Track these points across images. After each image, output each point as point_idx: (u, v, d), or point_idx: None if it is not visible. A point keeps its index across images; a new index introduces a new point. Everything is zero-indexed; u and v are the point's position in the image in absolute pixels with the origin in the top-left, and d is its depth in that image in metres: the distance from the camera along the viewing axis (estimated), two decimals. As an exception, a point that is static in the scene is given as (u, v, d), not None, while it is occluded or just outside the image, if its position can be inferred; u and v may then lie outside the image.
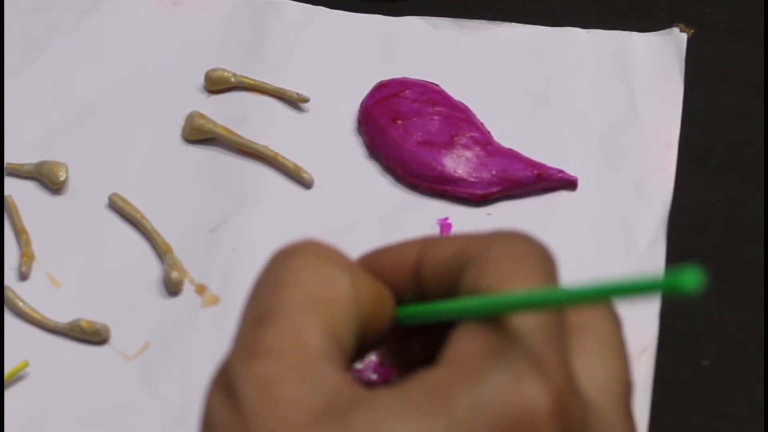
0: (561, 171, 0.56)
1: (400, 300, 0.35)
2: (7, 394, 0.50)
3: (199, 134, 0.58)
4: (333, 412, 0.29)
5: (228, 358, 0.31)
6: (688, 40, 0.61)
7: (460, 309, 0.32)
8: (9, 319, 0.52)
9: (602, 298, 0.29)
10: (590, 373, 0.32)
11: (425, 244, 0.34)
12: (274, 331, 0.31)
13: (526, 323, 0.30)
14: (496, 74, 0.61)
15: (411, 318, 0.34)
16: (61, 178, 0.56)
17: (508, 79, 0.60)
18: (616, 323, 0.34)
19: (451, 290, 0.33)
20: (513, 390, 0.29)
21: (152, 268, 0.54)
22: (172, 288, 0.53)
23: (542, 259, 0.32)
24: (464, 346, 0.30)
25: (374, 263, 0.35)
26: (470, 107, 0.59)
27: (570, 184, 0.56)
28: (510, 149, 0.57)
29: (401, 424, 0.28)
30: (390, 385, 0.30)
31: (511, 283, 0.31)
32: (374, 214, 0.56)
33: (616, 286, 0.28)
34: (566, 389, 0.30)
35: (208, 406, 0.31)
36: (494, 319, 0.30)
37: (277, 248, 0.33)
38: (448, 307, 0.32)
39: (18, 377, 0.51)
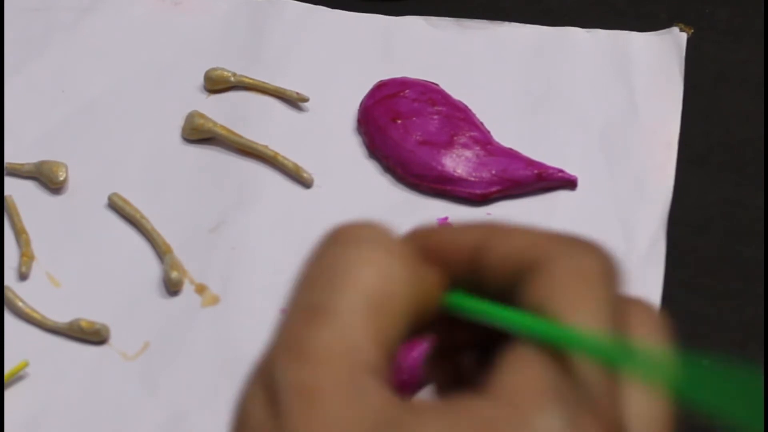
0: (561, 171, 0.56)
1: (451, 282, 0.33)
2: (7, 394, 0.50)
3: (199, 134, 0.58)
4: None
5: (273, 353, 0.30)
6: (688, 40, 0.61)
7: (520, 324, 0.30)
8: (9, 319, 0.52)
9: (669, 384, 0.28)
10: (636, 409, 0.31)
11: (489, 232, 0.32)
12: (325, 334, 0.29)
13: (589, 369, 0.29)
14: (496, 74, 0.60)
15: (462, 310, 0.33)
16: (61, 178, 0.56)
17: (508, 79, 0.60)
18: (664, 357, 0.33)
19: (509, 288, 0.32)
20: None
21: (152, 268, 0.54)
22: (171, 288, 0.53)
23: (610, 278, 0.31)
24: (519, 379, 0.29)
25: (431, 240, 0.33)
26: (470, 107, 0.59)
27: (570, 183, 0.56)
28: (510, 149, 0.57)
29: None
30: (434, 405, 0.29)
31: (577, 311, 0.30)
32: (374, 214, 0.56)
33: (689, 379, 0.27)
34: None
35: (247, 403, 0.30)
36: (553, 349, 0.29)
37: (335, 227, 0.32)
38: (506, 317, 0.31)
39: (18, 377, 0.51)
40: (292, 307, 0.31)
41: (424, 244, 0.33)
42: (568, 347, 0.29)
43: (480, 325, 0.33)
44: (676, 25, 0.62)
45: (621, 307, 0.31)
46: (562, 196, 0.56)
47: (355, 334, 0.29)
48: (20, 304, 0.52)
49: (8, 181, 0.57)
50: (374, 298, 0.30)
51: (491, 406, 0.28)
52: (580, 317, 0.30)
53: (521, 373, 0.29)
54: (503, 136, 0.58)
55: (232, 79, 0.60)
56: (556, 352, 0.29)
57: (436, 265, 0.33)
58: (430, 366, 0.36)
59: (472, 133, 0.57)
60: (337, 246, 0.31)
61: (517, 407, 0.28)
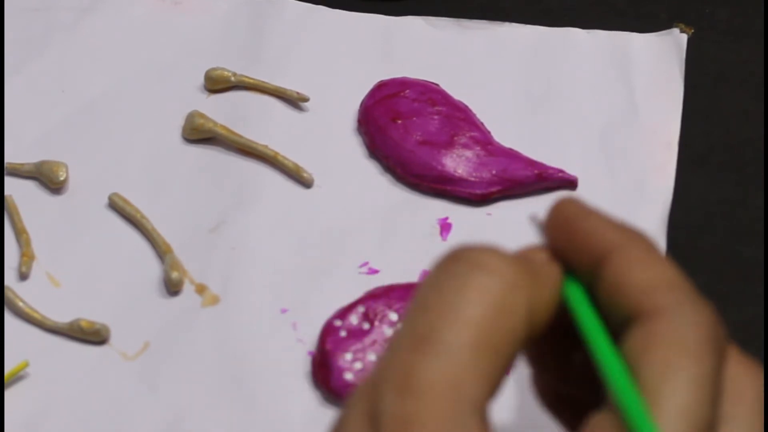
0: (561, 171, 0.56)
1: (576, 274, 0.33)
2: (7, 394, 0.50)
3: (199, 134, 0.58)
4: None
5: (379, 380, 0.30)
6: (688, 40, 0.61)
7: (612, 376, 0.30)
8: (9, 319, 0.52)
9: None
10: None
11: (627, 246, 0.32)
12: (433, 367, 0.29)
13: None
14: (496, 74, 0.61)
15: (571, 308, 0.32)
16: (61, 178, 0.56)
17: (508, 79, 0.60)
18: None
19: (616, 316, 0.31)
20: None
21: (152, 268, 0.54)
22: (172, 288, 0.53)
23: (712, 350, 0.30)
24: None
25: (574, 223, 0.33)
26: (470, 107, 0.59)
27: (570, 183, 0.56)
28: (510, 149, 0.57)
29: None
30: None
31: (669, 387, 0.29)
32: (374, 214, 0.56)
33: None
34: None
35: (349, 425, 0.30)
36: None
37: (452, 250, 0.32)
38: (606, 361, 0.30)
39: (18, 377, 0.51)
40: (402, 333, 0.30)
41: (567, 223, 0.33)
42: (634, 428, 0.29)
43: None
44: (676, 26, 0.62)
45: (717, 384, 0.30)
46: (562, 196, 0.56)
47: (462, 370, 0.29)
48: (20, 304, 0.52)
49: (8, 181, 0.57)
50: (486, 335, 0.30)
51: None
52: (671, 391, 0.29)
53: None
54: (503, 136, 0.58)
55: (233, 79, 0.60)
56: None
57: (564, 246, 0.33)
58: (538, 388, 0.36)
59: (473, 133, 0.57)
60: (453, 273, 0.31)
61: None
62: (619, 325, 0.31)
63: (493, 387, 0.30)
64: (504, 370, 0.30)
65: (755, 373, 0.32)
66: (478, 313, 0.30)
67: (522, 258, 0.32)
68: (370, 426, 0.29)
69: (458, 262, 0.31)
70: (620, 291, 0.31)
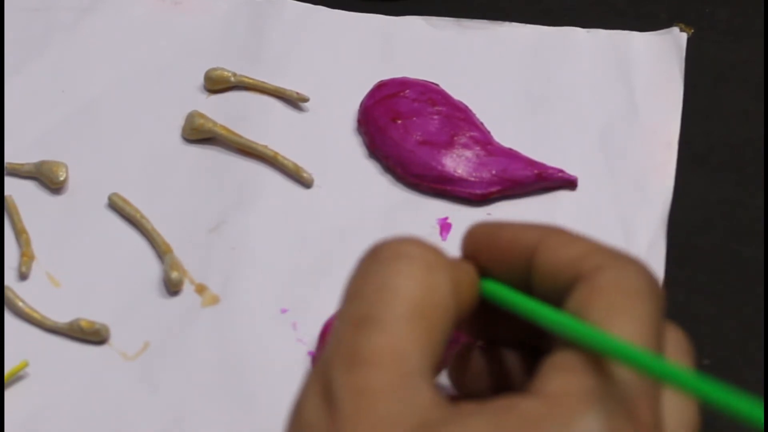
0: (561, 171, 0.56)
1: (501, 277, 0.35)
2: (7, 394, 0.50)
3: (199, 134, 0.58)
4: (422, 429, 0.30)
5: (329, 359, 0.32)
6: (688, 40, 0.61)
7: (563, 325, 0.32)
8: (9, 319, 0.52)
9: (704, 396, 0.29)
10: (670, 415, 0.33)
11: (548, 236, 0.34)
12: (375, 341, 0.31)
13: (630, 376, 0.31)
14: (496, 74, 0.61)
15: (506, 302, 0.35)
16: (61, 178, 0.56)
17: (508, 79, 0.60)
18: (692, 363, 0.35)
19: (556, 292, 0.33)
20: None
21: (152, 268, 0.54)
22: (172, 288, 0.53)
23: (652, 297, 0.32)
24: (562, 382, 0.31)
25: (492, 237, 0.36)
26: (470, 107, 0.59)
27: (570, 183, 0.56)
28: (510, 149, 0.57)
29: None
30: (478, 405, 0.31)
31: (617, 323, 0.31)
32: (374, 214, 0.56)
33: (723, 394, 0.28)
34: None
35: (305, 406, 0.32)
36: (594, 355, 0.31)
37: (376, 244, 0.34)
38: (551, 317, 0.32)
39: (18, 377, 0.51)
40: (343, 318, 0.33)
41: (487, 237, 0.36)
42: (611, 356, 0.30)
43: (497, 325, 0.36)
44: (676, 25, 0.62)
45: (659, 327, 0.32)
46: (562, 196, 0.56)
47: (403, 341, 0.32)
48: (20, 304, 0.52)
49: (8, 181, 0.57)
50: (418, 308, 0.32)
51: (535, 405, 0.30)
52: (619, 328, 0.31)
53: (564, 378, 0.31)
54: (503, 136, 0.58)
55: (232, 79, 0.60)
56: (597, 357, 0.31)
57: (490, 260, 0.35)
58: (457, 366, 0.38)
59: (472, 133, 0.57)
60: (380, 261, 0.33)
61: (560, 408, 0.30)
62: (558, 302, 0.33)
63: (433, 356, 0.32)
64: (441, 341, 0.33)
65: (682, 335, 0.34)
66: (408, 291, 0.32)
67: (438, 248, 0.34)
68: (325, 400, 0.31)
69: (382, 253, 0.34)
70: (557, 267, 0.34)
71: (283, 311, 0.53)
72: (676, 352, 0.34)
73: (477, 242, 0.36)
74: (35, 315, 0.52)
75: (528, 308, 0.33)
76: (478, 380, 0.38)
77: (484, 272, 0.36)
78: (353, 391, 0.31)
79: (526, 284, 0.35)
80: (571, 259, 0.33)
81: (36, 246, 0.55)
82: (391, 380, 0.31)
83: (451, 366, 0.38)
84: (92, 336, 0.52)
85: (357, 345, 0.31)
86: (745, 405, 0.28)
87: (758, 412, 0.27)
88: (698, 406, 0.33)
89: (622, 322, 0.31)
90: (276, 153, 0.57)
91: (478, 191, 0.56)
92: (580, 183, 0.56)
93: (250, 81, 0.60)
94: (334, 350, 0.32)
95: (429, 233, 0.55)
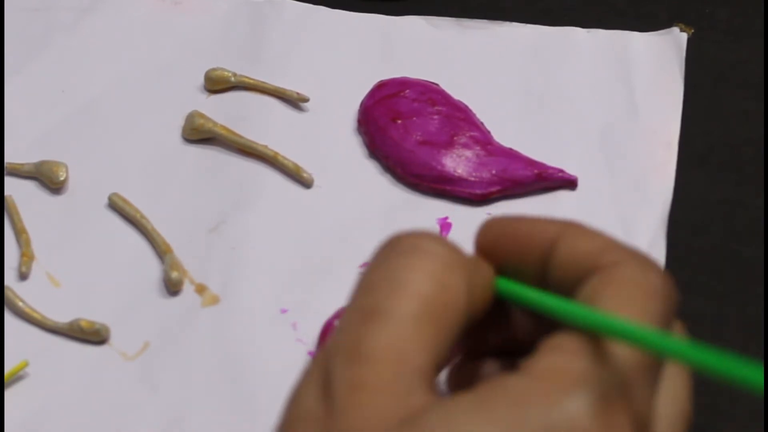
0: (561, 171, 0.56)
1: (517, 274, 0.35)
2: (7, 394, 0.50)
3: (199, 134, 0.58)
4: (410, 418, 0.30)
5: (331, 351, 0.32)
6: (688, 40, 0.61)
7: (564, 310, 0.32)
8: (9, 319, 0.52)
9: (704, 367, 0.28)
10: (662, 404, 0.32)
11: (567, 229, 0.34)
12: (380, 336, 0.31)
13: (628, 357, 0.30)
14: (496, 74, 0.61)
15: (516, 298, 0.34)
16: (61, 178, 0.56)
17: (508, 79, 0.60)
18: None
19: (570, 285, 0.33)
20: (591, 421, 0.29)
21: (152, 268, 0.54)
22: (172, 288, 0.53)
23: (666, 297, 0.32)
24: (555, 360, 0.30)
25: (510, 229, 0.35)
26: (470, 107, 0.59)
27: (570, 183, 0.56)
28: (510, 149, 0.57)
29: (473, 425, 0.29)
30: (469, 389, 0.30)
31: (628, 315, 0.31)
32: (374, 214, 0.56)
33: (722, 362, 0.28)
34: (643, 431, 0.30)
35: (302, 394, 0.31)
36: (593, 339, 0.30)
37: (393, 236, 0.33)
38: (552, 302, 0.32)
39: (18, 377, 0.51)
40: (351, 309, 0.32)
41: (504, 231, 0.35)
42: (611, 335, 0.30)
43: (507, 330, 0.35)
44: (676, 26, 0.62)
45: (668, 326, 0.32)
46: (562, 196, 0.56)
47: (407, 339, 0.31)
48: (20, 304, 0.52)
49: (8, 181, 0.57)
50: (428, 306, 0.32)
51: (524, 382, 0.30)
52: (626, 316, 0.31)
53: (558, 357, 0.30)
54: (503, 136, 0.58)
55: (233, 79, 0.60)
56: (596, 342, 0.30)
57: (507, 253, 0.35)
58: (455, 374, 0.37)
59: (472, 133, 0.57)
60: (396, 254, 0.33)
61: (548, 385, 0.29)
62: (569, 295, 0.33)
63: (437, 357, 0.32)
64: (448, 342, 0.32)
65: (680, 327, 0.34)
66: (420, 288, 0.32)
67: (457, 246, 0.34)
68: (323, 392, 0.31)
69: (399, 246, 0.33)
70: (576, 259, 0.33)
71: (283, 311, 0.53)
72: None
73: (494, 235, 0.35)
74: (35, 315, 0.52)
75: (546, 304, 0.33)
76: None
77: (497, 270, 0.35)
78: (350, 385, 0.30)
79: (537, 279, 0.34)
80: (590, 252, 0.33)
81: (36, 246, 0.55)
82: (389, 378, 0.30)
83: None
84: (92, 336, 0.52)
85: (360, 339, 0.31)
86: (745, 370, 0.27)
87: (758, 376, 0.27)
88: (691, 394, 0.33)
89: (634, 315, 0.31)
90: (276, 153, 0.57)
91: (478, 191, 0.56)
92: (580, 183, 0.56)
93: (250, 81, 0.60)
94: (338, 341, 0.32)
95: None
